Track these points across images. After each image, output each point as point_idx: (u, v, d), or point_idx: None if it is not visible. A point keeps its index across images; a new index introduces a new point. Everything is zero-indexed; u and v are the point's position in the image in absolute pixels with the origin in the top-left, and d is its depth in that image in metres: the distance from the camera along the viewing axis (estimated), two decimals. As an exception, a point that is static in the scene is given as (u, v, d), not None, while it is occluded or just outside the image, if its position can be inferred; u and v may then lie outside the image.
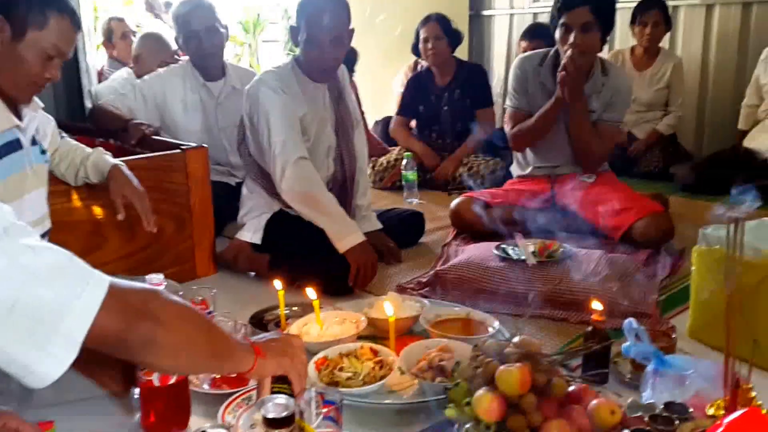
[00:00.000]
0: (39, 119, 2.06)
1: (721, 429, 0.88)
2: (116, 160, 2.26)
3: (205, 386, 1.76)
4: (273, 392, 1.42)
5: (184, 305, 1.20)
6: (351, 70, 4.23)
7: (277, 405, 1.41)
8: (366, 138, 3.05)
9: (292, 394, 1.43)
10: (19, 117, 1.92)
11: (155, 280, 1.56)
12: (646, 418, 1.29)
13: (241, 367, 1.32)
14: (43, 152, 2.04)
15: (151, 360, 1.16)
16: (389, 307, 1.90)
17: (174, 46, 3.87)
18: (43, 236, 1.94)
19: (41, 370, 1.01)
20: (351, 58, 4.28)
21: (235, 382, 1.74)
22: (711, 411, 1.30)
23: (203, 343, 1.22)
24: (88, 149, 2.27)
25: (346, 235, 2.44)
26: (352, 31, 2.61)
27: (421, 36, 4.16)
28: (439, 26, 4.11)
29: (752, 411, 0.87)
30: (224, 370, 1.39)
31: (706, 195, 3.71)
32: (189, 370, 1.39)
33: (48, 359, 1.01)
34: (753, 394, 1.25)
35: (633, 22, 4.33)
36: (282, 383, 1.43)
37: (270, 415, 1.44)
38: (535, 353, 1.34)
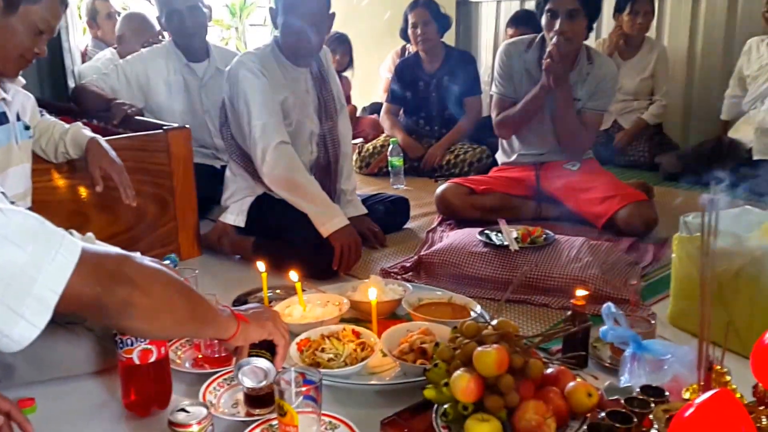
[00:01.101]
0: (20, 95, 2.05)
1: (691, 410, 0.89)
2: (95, 134, 2.24)
3: (187, 365, 1.77)
4: (251, 356, 1.43)
5: (160, 269, 1.20)
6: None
7: (256, 369, 1.42)
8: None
9: (270, 360, 1.44)
10: (4, 91, 1.91)
11: (135, 259, 1.55)
12: (623, 401, 1.31)
13: (224, 332, 1.33)
14: (27, 128, 2.03)
15: (130, 324, 1.16)
16: (372, 293, 1.92)
17: (158, 27, 3.84)
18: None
19: (15, 333, 1.01)
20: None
21: (216, 361, 1.75)
22: (687, 395, 1.32)
23: (182, 305, 1.22)
24: (67, 125, 2.25)
25: (329, 219, 2.44)
26: (333, 15, 2.58)
27: (410, 21, 4.13)
28: (428, 11, 4.09)
29: (722, 392, 0.89)
30: (206, 334, 1.40)
31: (690, 185, 3.74)
32: (169, 333, 1.39)
33: (21, 322, 1.01)
34: (728, 378, 1.26)
35: (620, 11, 4.32)
36: (259, 351, 1.44)
37: (248, 384, 1.45)
38: (513, 335, 1.35)
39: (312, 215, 2.45)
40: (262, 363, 1.44)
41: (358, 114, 5.12)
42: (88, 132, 2.23)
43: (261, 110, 2.48)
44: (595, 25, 4.43)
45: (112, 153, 2.22)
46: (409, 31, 4.16)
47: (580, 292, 1.78)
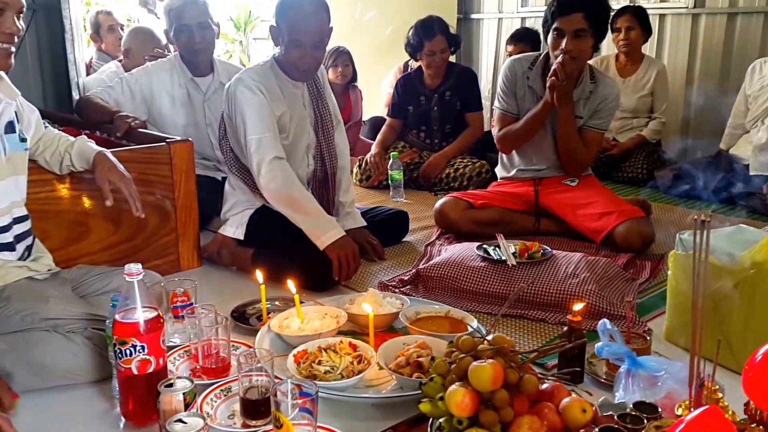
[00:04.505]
0: (20, 107, 2.03)
1: (681, 426, 0.90)
2: (100, 148, 2.23)
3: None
4: None
5: None
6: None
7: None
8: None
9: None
10: None
11: (134, 270, 1.56)
12: (616, 417, 1.32)
13: None
14: (23, 140, 1.99)
15: None
16: (367, 308, 1.94)
17: (164, 41, 3.87)
18: (12, 223, 1.93)
19: None
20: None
21: (213, 372, 1.76)
22: (679, 411, 1.33)
23: None
24: (72, 138, 2.25)
25: (324, 232, 2.46)
26: (331, 29, 2.62)
27: (427, 49, 4.10)
28: (445, 38, 4.10)
29: (712, 409, 0.90)
30: None
31: (688, 200, 3.76)
32: None
33: None
34: (719, 395, 1.27)
35: (612, 29, 4.37)
36: None
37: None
38: (509, 350, 1.37)
39: (307, 229, 2.48)
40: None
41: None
42: (94, 145, 2.23)
43: (257, 125, 2.52)
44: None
45: (120, 166, 2.21)
46: (426, 60, 4.15)
47: (577, 307, 1.80)
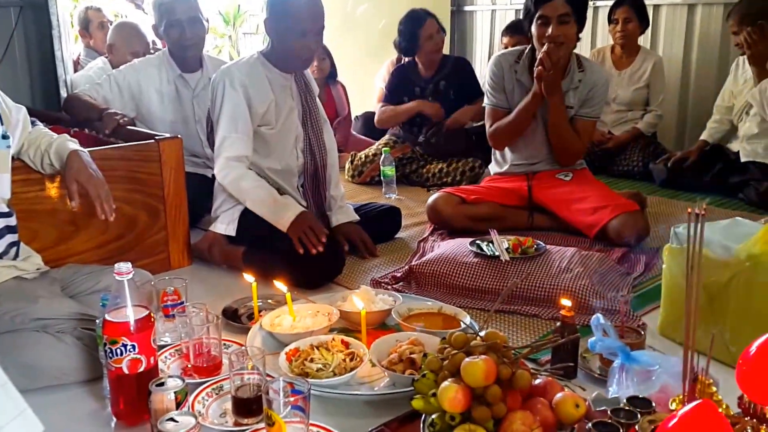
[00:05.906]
0: (4, 106, 2.01)
1: (674, 421, 0.89)
2: (78, 147, 2.17)
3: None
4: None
5: None
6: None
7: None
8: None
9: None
10: None
11: (123, 269, 1.54)
12: (609, 412, 1.31)
13: None
14: (5, 137, 1.95)
15: None
16: (358, 302, 1.93)
17: (150, 37, 3.84)
18: None
19: None
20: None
21: (205, 371, 1.75)
22: (673, 405, 1.32)
23: None
24: (56, 135, 2.21)
25: (282, 215, 2.49)
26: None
27: (423, 35, 4.07)
28: (436, 21, 4.12)
29: (705, 403, 0.89)
30: None
31: (682, 192, 3.76)
32: None
33: None
34: (713, 389, 1.27)
35: (609, 21, 4.38)
36: None
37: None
38: (501, 345, 1.36)
39: (268, 217, 2.52)
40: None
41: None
42: (72, 144, 2.17)
43: (226, 123, 2.58)
44: (590, 37, 4.47)
45: (93, 167, 2.13)
46: (425, 47, 4.10)
47: (565, 302, 1.79)
